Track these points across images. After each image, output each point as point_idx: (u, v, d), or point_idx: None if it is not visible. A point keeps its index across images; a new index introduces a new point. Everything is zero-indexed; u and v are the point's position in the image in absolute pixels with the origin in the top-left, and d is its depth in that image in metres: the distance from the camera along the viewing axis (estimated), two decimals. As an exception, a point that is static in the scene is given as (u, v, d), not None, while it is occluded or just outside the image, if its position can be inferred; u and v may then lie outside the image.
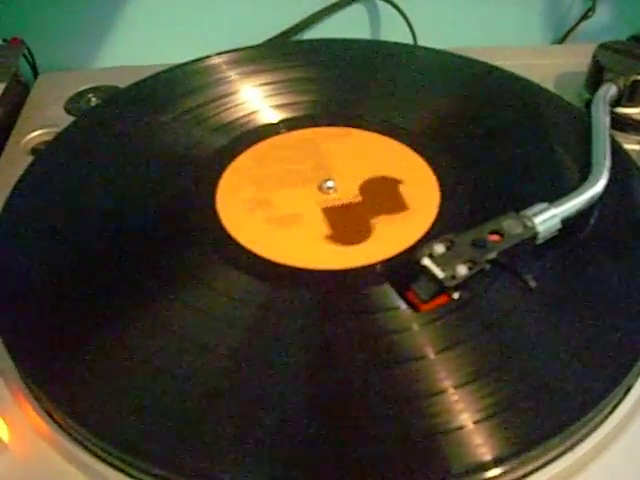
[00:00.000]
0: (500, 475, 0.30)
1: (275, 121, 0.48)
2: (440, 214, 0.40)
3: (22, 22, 0.61)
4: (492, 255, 0.35)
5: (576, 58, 0.55)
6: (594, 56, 0.51)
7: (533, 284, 0.34)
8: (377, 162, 0.44)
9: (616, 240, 0.39)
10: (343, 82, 0.51)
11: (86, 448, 0.32)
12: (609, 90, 0.48)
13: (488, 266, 0.35)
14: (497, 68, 0.52)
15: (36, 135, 0.51)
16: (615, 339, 0.34)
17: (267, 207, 0.41)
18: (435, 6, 0.66)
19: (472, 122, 0.47)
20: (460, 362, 0.32)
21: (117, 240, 0.40)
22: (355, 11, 0.67)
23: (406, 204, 0.41)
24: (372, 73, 0.52)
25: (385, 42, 0.58)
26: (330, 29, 0.67)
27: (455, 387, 0.32)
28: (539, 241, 0.37)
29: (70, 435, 0.32)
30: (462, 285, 0.34)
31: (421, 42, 0.63)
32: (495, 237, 0.36)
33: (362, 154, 0.45)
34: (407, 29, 0.64)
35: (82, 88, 0.56)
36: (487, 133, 0.46)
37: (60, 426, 0.33)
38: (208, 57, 0.52)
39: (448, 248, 0.35)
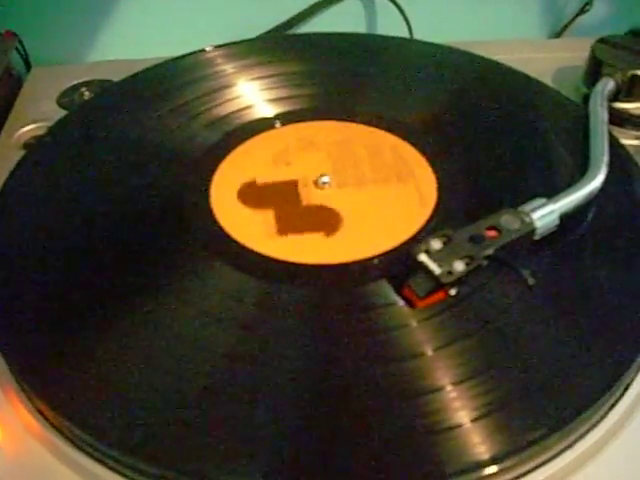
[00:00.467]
0: (498, 473, 0.29)
1: (270, 115, 0.47)
2: (437, 209, 0.40)
3: (15, 15, 0.60)
4: (489, 251, 0.34)
5: (574, 52, 0.55)
6: (592, 50, 0.50)
7: (531, 280, 0.34)
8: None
9: (615, 236, 0.38)
10: (339, 76, 0.51)
11: (78, 447, 0.31)
12: (607, 85, 0.48)
13: (485, 262, 0.34)
14: (494, 62, 0.51)
15: (28, 130, 0.51)
16: (614, 335, 0.33)
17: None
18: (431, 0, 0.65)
19: (469, 116, 0.47)
20: (457, 359, 0.32)
21: (110, 236, 0.39)
22: (351, 5, 0.66)
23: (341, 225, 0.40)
24: (368, 67, 0.51)
25: (381, 36, 0.58)
26: (326, 23, 0.66)
27: (452, 384, 0.31)
28: (537, 237, 0.36)
29: (62, 434, 0.32)
30: (459, 281, 0.34)
31: (417, 36, 0.63)
32: (492, 233, 0.35)
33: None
34: (403, 23, 0.64)
35: (75, 82, 0.55)
36: (484, 128, 0.46)
37: (52, 425, 0.32)
38: (202, 51, 0.52)
39: (445, 244, 0.35)
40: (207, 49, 0.52)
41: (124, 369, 0.32)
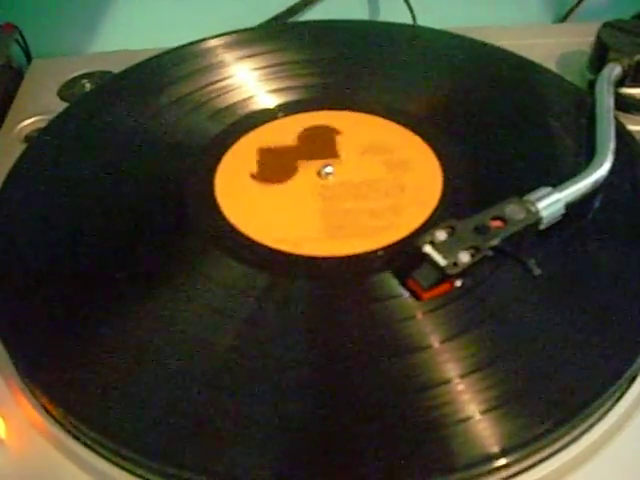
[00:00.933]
0: (507, 465, 0.29)
1: (273, 106, 0.47)
2: (443, 199, 0.40)
3: (14, 7, 0.60)
4: (495, 241, 0.34)
5: (579, 37, 0.54)
6: (598, 35, 0.50)
7: (537, 271, 0.33)
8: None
9: (622, 224, 0.38)
10: (342, 64, 0.50)
11: (83, 442, 0.31)
12: (613, 70, 0.47)
13: (491, 253, 0.34)
14: (498, 48, 0.51)
15: (30, 122, 0.50)
16: (621, 326, 0.33)
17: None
18: (435, -15, 0.65)
19: (473, 103, 0.46)
20: (464, 352, 0.32)
21: (112, 229, 0.39)
22: (353, -9, 0.66)
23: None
24: (371, 55, 0.51)
25: (384, 23, 0.57)
26: (328, 10, 0.65)
27: (460, 377, 0.31)
28: (543, 226, 0.36)
29: (67, 429, 0.32)
30: (464, 272, 0.34)
31: (421, 22, 0.62)
32: (498, 223, 0.35)
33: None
34: (406, 9, 0.63)
35: (76, 74, 0.55)
36: (489, 115, 0.45)
37: (57, 420, 0.32)
38: (203, 40, 0.52)
39: (450, 235, 0.34)
40: (208, 39, 0.52)
41: (128, 364, 0.32)
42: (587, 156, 0.40)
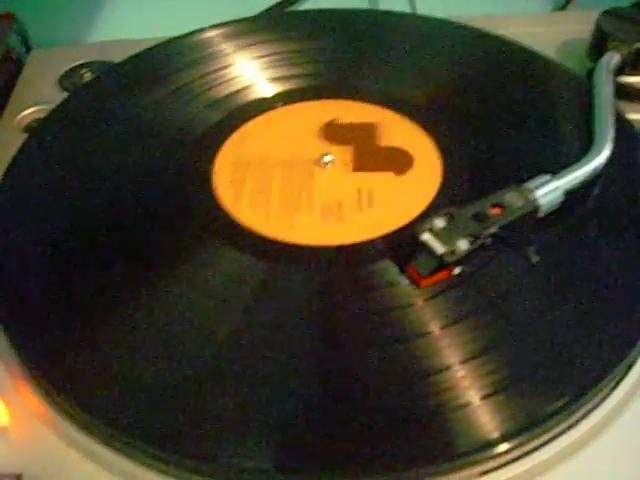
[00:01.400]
0: (508, 451, 0.29)
1: (272, 95, 0.47)
2: (442, 187, 0.40)
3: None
4: (493, 229, 0.34)
5: (579, 25, 0.54)
6: (597, 23, 0.50)
7: (535, 258, 0.34)
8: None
9: (620, 213, 0.38)
10: (341, 54, 0.50)
11: (86, 430, 0.32)
12: (612, 58, 0.47)
13: (489, 240, 0.34)
14: (498, 36, 0.51)
15: (30, 112, 0.50)
16: (619, 314, 0.33)
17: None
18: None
19: (473, 92, 0.46)
20: (462, 338, 0.32)
21: (113, 219, 0.39)
22: (353, -20, 0.65)
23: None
24: (371, 44, 0.51)
25: (384, 11, 0.57)
26: (327, -1, 0.65)
27: (460, 363, 0.31)
28: (541, 214, 0.36)
29: (69, 417, 0.32)
30: (463, 260, 0.34)
31: (421, 11, 0.62)
32: (496, 211, 0.35)
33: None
34: (406, -3, 0.63)
35: (76, 63, 0.55)
36: (488, 103, 0.45)
37: (59, 408, 0.32)
38: (203, 30, 0.51)
39: (448, 222, 0.35)
40: (207, 28, 0.51)
41: (130, 352, 0.33)
42: (586, 144, 0.40)
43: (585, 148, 0.40)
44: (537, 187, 0.36)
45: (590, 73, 0.47)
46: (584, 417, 0.31)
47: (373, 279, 0.35)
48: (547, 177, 0.37)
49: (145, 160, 0.43)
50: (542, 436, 0.30)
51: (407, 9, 0.63)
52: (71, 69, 0.54)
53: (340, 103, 0.46)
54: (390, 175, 0.41)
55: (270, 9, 0.64)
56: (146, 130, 0.45)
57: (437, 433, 0.30)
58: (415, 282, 0.34)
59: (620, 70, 0.48)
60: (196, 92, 0.47)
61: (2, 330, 0.35)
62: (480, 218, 0.35)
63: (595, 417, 0.31)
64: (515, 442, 0.29)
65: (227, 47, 0.50)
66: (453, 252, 0.33)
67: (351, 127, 0.44)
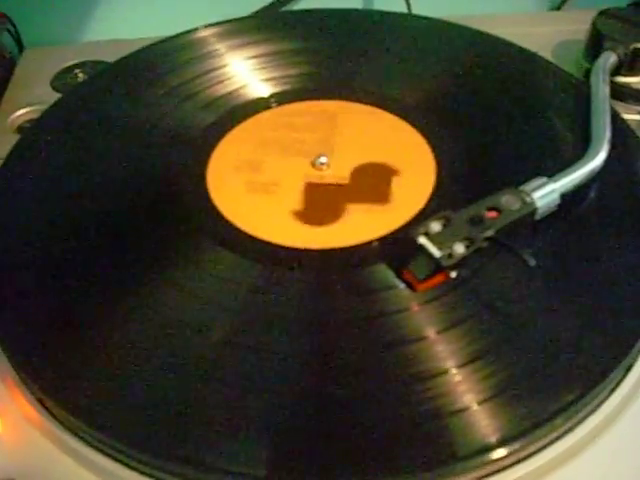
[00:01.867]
0: (506, 456, 0.29)
1: (266, 95, 0.46)
2: (436, 190, 0.39)
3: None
4: (490, 232, 0.34)
5: (575, 25, 0.54)
6: (593, 23, 0.49)
7: (532, 262, 0.33)
8: (370, 136, 0.43)
9: (617, 215, 0.38)
10: (335, 54, 0.50)
11: (77, 436, 0.31)
12: (609, 59, 0.47)
13: (486, 244, 0.34)
14: (493, 37, 0.50)
15: (22, 113, 0.50)
16: (616, 317, 0.33)
17: (257, 185, 0.41)
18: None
19: (468, 93, 0.46)
20: (459, 342, 0.32)
21: (106, 220, 0.39)
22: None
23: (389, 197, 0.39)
24: (365, 44, 0.51)
25: (378, 11, 0.57)
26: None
27: (457, 367, 0.31)
28: (538, 217, 0.36)
29: (62, 423, 0.32)
30: (460, 264, 0.33)
31: (416, 11, 0.62)
32: (493, 214, 0.35)
33: (355, 127, 0.44)
34: (401, -3, 0.63)
35: (69, 64, 0.54)
36: (483, 105, 0.45)
37: (52, 414, 0.32)
38: (196, 30, 0.51)
39: (445, 226, 0.34)
40: (201, 28, 0.51)
41: (122, 357, 0.32)
42: (583, 145, 0.40)
43: (581, 150, 0.39)
44: (534, 189, 0.36)
45: (587, 73, 0.47)
46: (581, 421, 0.31)
47: (369, 283, 0.35)
48: (544, 179, 0.36)
49: (139, 161, 0.42)
50: (541, 440, 0.30)
51: (402, 9, 0.62)
52: (64, 69, 0.54)
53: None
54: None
55: (264, 9, 0.64)
56: (140, 131, 0.44)
57: (434, 438, 0.29)
58: (412, 286, 0.34)
59: (616, 71, 0.48)
60: (190, 92, 0.47)
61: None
62: (476, 221, 0.34)
63: (593, 421, 0.31)
64: (513, 446, 0.29)
65: (221, 47, 0.50)
66: (450, 256, 0.33)
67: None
